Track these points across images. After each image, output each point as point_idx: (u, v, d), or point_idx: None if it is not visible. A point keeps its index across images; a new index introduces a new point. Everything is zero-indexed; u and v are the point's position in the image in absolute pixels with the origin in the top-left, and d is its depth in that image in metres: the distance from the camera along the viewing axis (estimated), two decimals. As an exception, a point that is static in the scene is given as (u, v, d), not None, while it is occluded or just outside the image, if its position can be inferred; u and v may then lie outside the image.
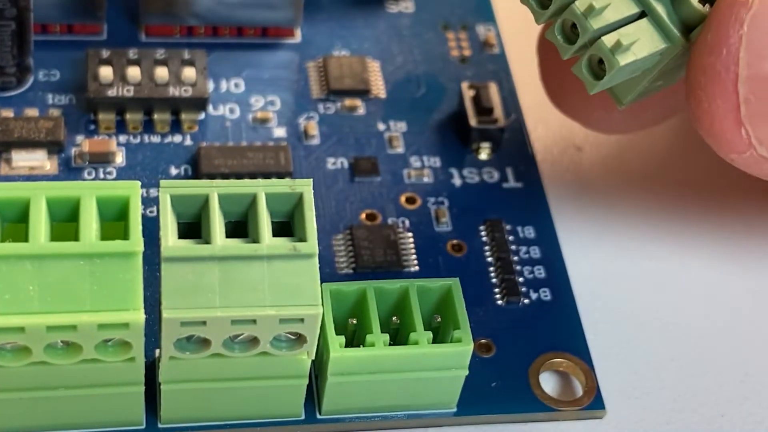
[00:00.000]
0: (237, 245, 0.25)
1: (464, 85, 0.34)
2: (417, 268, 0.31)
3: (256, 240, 0.25)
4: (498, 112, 0.33)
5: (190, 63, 0.33)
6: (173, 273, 0.24)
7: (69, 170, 0.31)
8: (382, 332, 0.27)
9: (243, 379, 0.26)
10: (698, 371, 0.30)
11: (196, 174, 0.31)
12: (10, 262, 0.24)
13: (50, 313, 0.23)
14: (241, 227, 0.26)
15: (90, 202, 0.25)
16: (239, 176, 0.31)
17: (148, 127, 0.32)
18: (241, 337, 0.25)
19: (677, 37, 0.26)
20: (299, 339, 0.25)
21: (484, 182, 0.33)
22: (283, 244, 0.25)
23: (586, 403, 0.29)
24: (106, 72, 0.32)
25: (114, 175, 0.31)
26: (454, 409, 0.28)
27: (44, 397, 0.26)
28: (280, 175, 0.31)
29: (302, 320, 0.25)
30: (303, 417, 0.28)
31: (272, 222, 0.25)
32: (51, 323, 0.23)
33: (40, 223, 0.24)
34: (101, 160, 0.31)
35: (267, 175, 0.31)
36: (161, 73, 0.32)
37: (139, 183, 0.25)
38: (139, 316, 0.24)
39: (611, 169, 0.34)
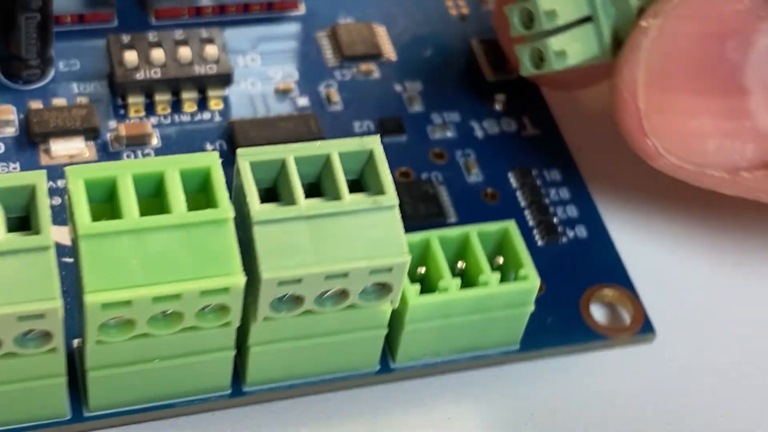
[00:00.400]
0: (321, 204, 0.25)
1: (474, 42, 0.35)
2: (457, 218, 0.32)
3: (336, 197, 0.26)
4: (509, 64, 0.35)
5: (210, 41, 0.33)
6: (265, 235, 0.25)
7: (108, 155, 0.32)
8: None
9: (328, 334, 0.27)
10: (698, 371, 0.30)
11: (232, 148, 0.32)
12: (109, 239, 0.24)
13: (155, 284, 0.24)
14: (313, 188, 0.26)
15: (174, 176, 0.25)
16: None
17: (176, 107, 0.33)
18: (331, 292, 0.26)
19: (608, 52, 0.30)
20: (385, 289, 0.26)
21: (504, 132, 0.34)
22: (364, 198, 0.26)
23: (636, 329, 0.30)
24: (131, 56, 0.32)
25: (153, 156, 0.32)
26: (518, 347, 0.30)
27: (141, 370, 0.26)
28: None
29: (391, 270, 0.26)
30: (378, 368, 0.29)
31: (344, 180, 0.26)
32: (157, 294, 0.24)
33: (130, 199, 0.25)
34: (138, 142, 0.32)
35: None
36: (184, 52, 0.33)
37: (217, 153, 0.26)
38: (239, 280, 0.25)
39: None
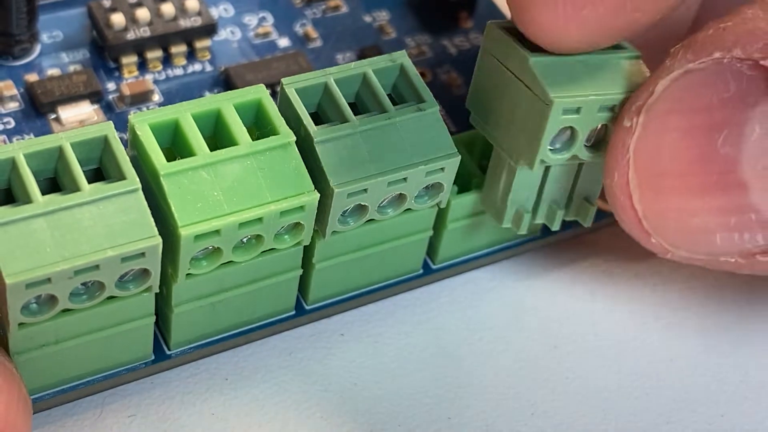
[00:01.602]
0: (370, 118, 0.27)
1: (431, -36, 0.37)
2: (455, 127, 0.34)
3: (381, 110, 0.27)
4: (469, -19, 0.37)
5: (185, -6, 0.34)
6: (328, 153, 0.27)
7: (115, 115, 0.32)
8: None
9: (384, 242, 0.29)
10: (698, 371, 0.31)
11: (230, 93, 0.33)
12: (189, 175, 0.25)
13: (239, 211, 0.25)
14: (351, 108, 0.28)
15: (231, 110, 0.27)
16: (271, 86, 0.33)
17: (167, 62, 0.34)
18: (388, 198, 0.28)
19: None
20: (436, 189, 0.28)
21: (474, 46, 0.36)
22: (407, 108, 0.27)
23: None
24: (117, 19, 0.33)
25: (158, 110, 0.33)
26: (539, 233, 0.32)
27: (218, 301, 0.27)
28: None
29: (443, 169, 0.27)
30: (421, 271, 0.31)
31: (376, 95, 0.28)
32: (242, 219, 0.25)
33: (198, 136, 0.26)
34: (142, 99, 0.33)
35: (293, 80, 0.33)
36: (167, 8, 0.34)
37: (263, 86, 0.27)
38: (314, 197, 0.26)
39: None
